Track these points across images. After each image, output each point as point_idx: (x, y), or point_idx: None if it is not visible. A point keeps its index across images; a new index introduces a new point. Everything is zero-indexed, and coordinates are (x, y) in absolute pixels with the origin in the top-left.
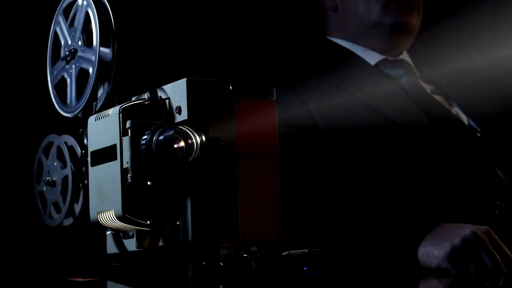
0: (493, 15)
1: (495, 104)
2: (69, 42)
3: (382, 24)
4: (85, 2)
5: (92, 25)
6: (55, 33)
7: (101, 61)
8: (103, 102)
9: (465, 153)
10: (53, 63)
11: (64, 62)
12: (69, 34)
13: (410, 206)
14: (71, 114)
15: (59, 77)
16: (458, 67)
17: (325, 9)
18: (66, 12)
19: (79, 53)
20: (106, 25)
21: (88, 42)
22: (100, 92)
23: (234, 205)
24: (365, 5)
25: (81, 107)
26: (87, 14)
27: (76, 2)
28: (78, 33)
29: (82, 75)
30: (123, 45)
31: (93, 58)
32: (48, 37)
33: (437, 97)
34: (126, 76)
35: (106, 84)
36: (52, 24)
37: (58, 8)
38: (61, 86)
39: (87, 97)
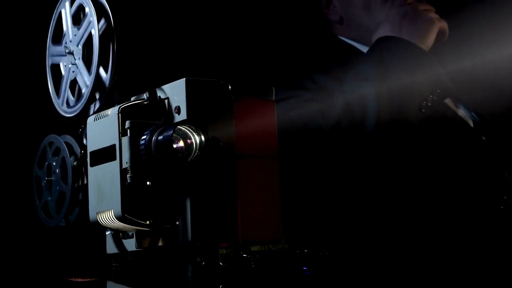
0: (502, 14)
1: (502, 105)
2: (65, 51)
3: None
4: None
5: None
6: (52, 66)
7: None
8: (113, 69)
9: (471, 152)
10: (57, 92)
11: (67, 72)
12: (64, 48)
13: (414, 203)
14: (72, 114)
15: (66, 94)
16: (466, 68)
17: (331, 21)
18: (56, 37)
19: (76, 39)
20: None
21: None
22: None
23: (233, 205)
24: (369, 18)
25: (93, 79)
26: (78, 9)
27: (61, 16)
28: (70, 31)
29: (88, 58)
30: (123, 45)
31: (91, 19)
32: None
33: None
34: (125, 76)
35: (111, 51)
36: (46, 60)
37: (48, 41)
38: (59, 85)
39: (97, 61)
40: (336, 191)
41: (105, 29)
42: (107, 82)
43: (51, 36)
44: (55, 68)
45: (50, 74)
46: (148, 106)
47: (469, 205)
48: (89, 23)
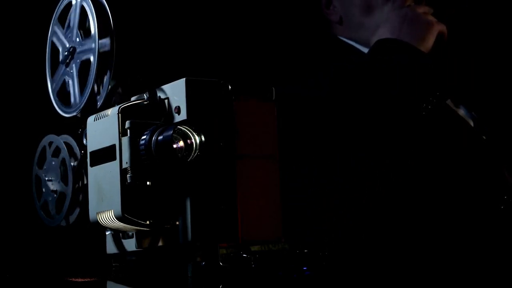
0: (502, 14)
1: (502, 105)
2: (67, 45)
3: None
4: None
5: (89, 16)
6: (52, 43)
7: (101, 52)
8: (107, 92)
9: (471, 152)
10: (52, 73)
11: (63, 66)
12: (66, 37)
13: (414, 203)
14: (73, 114)
15: (60, 83)
16: (466, 69)
17: (330, 21)
18: (61, 18)
19: (78, 49)
20: (104, 20)
21: (86, 34)
22: (101, 87)
23: (233, 205)
24: (369, 18)
25: (85, 101)
26: (82, 8)
27: (71, 4)
28: (75, 31)
29: (84, 70)
30: (123, 45)
31: (92, 45)
32: (46, 43)
33: None
34: (125, 75)
35: (107, 77)
36: (48, 35)
37: (53, 17)
38: (62, 88)
39: (91, 88)
40: (336, 190)
41: (107, 50)
42: (99, 102)
43: (57, 14)
44: (54, 52)
45: (50, 51)
46: (148, 106)
47: (469, 205)
48: (91, 48)
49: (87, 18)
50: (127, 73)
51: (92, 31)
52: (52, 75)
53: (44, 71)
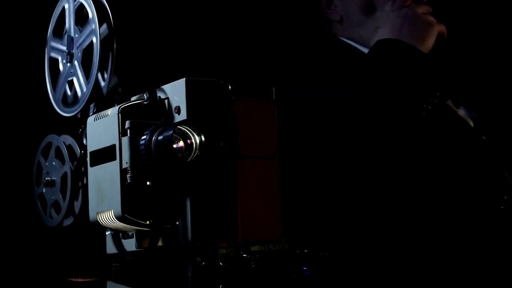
0: (502, 14)
1: (502, 105)
2: (65, 49)
3: None
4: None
5: (86, 6)
6: (50, 59)
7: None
8: (110, 77)
9: (471, 152)
10: (53, 84)
11: (65, 69)
12: (63, 43)
13: (415, 203)
14: (73, 113)
15: (63, 91)
16: (466, 69)
17: (331, 21)
18: (57, 29)
19: (78, 38)
20: (105, 20)
21: (84, 23)
22: (105, 73)
23: (233, 205)
24: (369, 18)
25: (91, 88)
26: (79, 7)
27: (64, 10)
28: (72, 27)
29: (86, 64)
30: (122, 45)
31: (93, 26)
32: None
33: None
34: (125, 75)
35: (110, 60)
36: (46, 52)
37: (48, 32)
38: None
39: (96, 72)
40: (336, 190)
41: (106, 34)
42: (104, 90)
43: (52, 28)
44: (53, 63)
45: (48, 68)
46: (148, 106)
47: (469, 205)
48: (91, 30)
49: (83, 9)
50: (127, 72)
51: (90, 15)
52: (54, 87)
53: (44, 84)
